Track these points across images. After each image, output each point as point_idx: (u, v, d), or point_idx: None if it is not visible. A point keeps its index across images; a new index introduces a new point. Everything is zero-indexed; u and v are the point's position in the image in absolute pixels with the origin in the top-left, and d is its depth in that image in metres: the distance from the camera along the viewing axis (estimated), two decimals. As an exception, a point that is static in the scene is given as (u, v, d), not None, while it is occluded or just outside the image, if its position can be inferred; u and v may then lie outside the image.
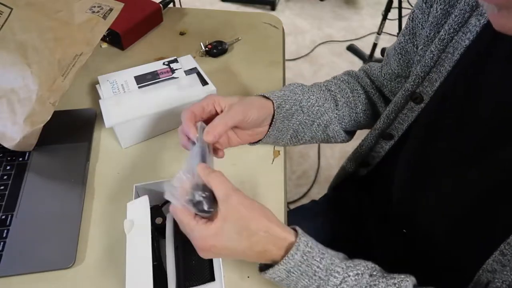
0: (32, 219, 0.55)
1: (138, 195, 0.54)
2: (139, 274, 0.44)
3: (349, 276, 0.42)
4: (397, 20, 1.88)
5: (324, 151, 1.72)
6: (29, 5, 0.61)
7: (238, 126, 0.54)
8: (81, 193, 0.58)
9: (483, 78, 0.46)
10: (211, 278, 0.46)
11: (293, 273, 0.42)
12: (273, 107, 0.57)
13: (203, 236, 0.42)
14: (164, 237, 0.50)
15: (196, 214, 0.43)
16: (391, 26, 2.04)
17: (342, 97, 0.65)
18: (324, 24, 2.46)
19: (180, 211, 0.43)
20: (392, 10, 1.85)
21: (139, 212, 0.49)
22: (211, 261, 0.47)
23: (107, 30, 0.71)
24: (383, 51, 1.98)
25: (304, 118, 0.60)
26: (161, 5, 0.89)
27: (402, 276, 0.44)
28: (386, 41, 2.26)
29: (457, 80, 0.49)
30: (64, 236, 0.53)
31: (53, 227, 0.54)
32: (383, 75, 0.66)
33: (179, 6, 1.01)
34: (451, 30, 0.48)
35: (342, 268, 0.43)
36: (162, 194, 0.55)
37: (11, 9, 0.59)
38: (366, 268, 0.44)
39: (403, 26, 0.59)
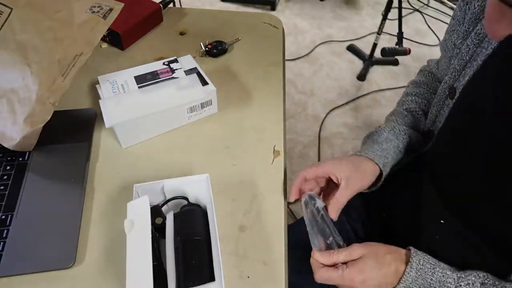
0: (32, 219, 0.55)
1: (138, 195, 0.54)
2: (139, 274, 0.44)
3: (460, 286, 0.47)
4: (397, 20, 1.88)
5: (324, 151, 1.72)
6: (29, 5, 0.60)
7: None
8: (81, 193, 0.58)
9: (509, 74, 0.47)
10: (211, 278, 0.46)
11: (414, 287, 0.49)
12: (380, 169, 0.60)
13: (352, 276, 0.49)
14: (164, 237, 0.50)
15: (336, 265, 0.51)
16: (391, 26, 2.04)
17: (425, 108, 0.68)
18: (324, 24, 2.46)
19: (326, 269, 0.50)
20: (392, 10, 1.85)
21: (139, 212, 0.49)
22: (211, 261, 0.47)
23: (107, 30, 0.71)
24: (383, 51, 1.98)
25: (403, 155, 0.65)
26: (161, 5, 0.89)
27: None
28: (386, 41, 2.26)
29: (486, 77, 0.50)
30: (64, 236, 0.53)
31: (53, 227, 0.54)
32: (440, 71, 0.68)
33: (179, 6, 1.01)
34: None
35: (454, 279, 0.48)
36: (162, 194, 0.56)
37: (11, 9, 0.59)
38: (477, 277, 0.47)
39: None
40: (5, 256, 0.51)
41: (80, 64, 0.60)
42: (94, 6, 0.64)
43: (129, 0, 0.74)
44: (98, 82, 0.69)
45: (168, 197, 0.55)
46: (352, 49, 2.27)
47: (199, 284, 0.45)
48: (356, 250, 0.51)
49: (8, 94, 0.57)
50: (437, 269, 0.49)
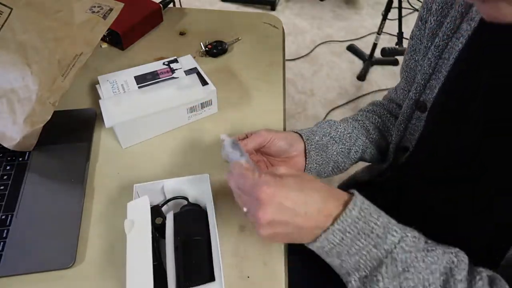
0: (32, 219, 0.55)
1: (138, 195, 0.54)
2: (140, 274, 0.44)
3: (407, 236, 0.40)
4: (397, 20, 1.88)
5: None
6: (29, 5, 0.60)
7: (266, 151, 0.58)
8: (81, 193, 0.58)
9: (476, 78, 0.48)
10: (211, 278, 0.46)
11: (349, 232, 0.40)
12: (303, 140, 0.59)
13: (269, 186, 0.40)
14: (164, 237, 0.50)
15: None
16: (391, 26, 2.04)
17: (372, 123, 0.68)
18: (324, 24, 2.46)
19: (241, 165, 0.43)
20: (392, 10, 1.85)
21: (139, 212, 0.49)
22: (211, 261, 0.47)
23: (107, 30, 0.71)
24: (383, 51, 1.98)
25: (340, 147, 0.62)
26: (161, 5, 0.89)
27: (457, 249, 0.42)
28: (386, 41, 2.26)
29: (451, 86, 0.51)
30: (64, 236, 0.53)
31: (53, 227, 0.54)
32: (398, 95, 0.69)
33: (179, 6, 1.01)
34: (445, 37, 0.51)
35: (400, 228, 0.41)
36: (162, 194, 0.56)
37: (11, 9, 0.59)
38: (421, 234, 0.42)
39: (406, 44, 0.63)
40: (5, 256, 0.51)
41: (80, 64, 0.60)
42: (94, 6, 0.64)
43: (129, 0, 0.74)
44: (98, 82, 0.69)
45: (168, 197, 0.55)
46: (352, 49, 2.27)
47: (199, 284, 0.45)
48: (282, 169, 0.43)
49: (8, 94, 0.57)
50: (382, 213, 0.42)
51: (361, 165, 0.75)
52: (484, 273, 0.41)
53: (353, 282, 0.41)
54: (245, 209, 0.43)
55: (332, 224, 0.40)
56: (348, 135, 0.63)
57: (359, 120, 0.68)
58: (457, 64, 0.50)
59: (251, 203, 0.41)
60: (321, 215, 0.40)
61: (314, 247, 0.42)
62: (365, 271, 0.40)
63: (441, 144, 0.55)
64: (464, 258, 0.41)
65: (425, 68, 0.54)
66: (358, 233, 0.40)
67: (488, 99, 0.46)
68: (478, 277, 0.40)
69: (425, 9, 0.56)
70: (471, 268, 0.41)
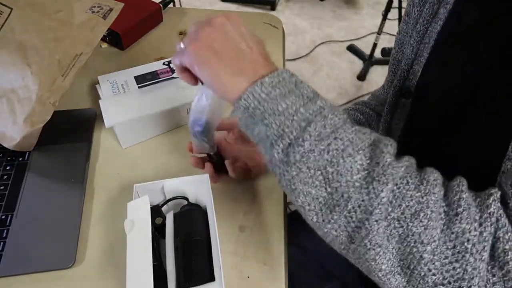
0: (32, 219, 0.55)
1: (138, 195, 0.54)
2: (140, 274, 0.44)
3: (334, 107, 0.37)
4: (397, 20, 1.88)
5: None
6: (29, 5, 0.60)
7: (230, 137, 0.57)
8: (81, 193, 0.58)
9: (451, 57, 0.51)
10: (211, 278, 0.46)
11: (278, 88, 0.36)
12: None
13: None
14: (164, 237, 0.50)
15: None
16: (391, 26, 2.04)
17: (354, 119, 0.70)
18: (324, 24, 2.46)
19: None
20: (392, 10, 1.85)
21: (139, 212, 0.49)
22: (211, 261, 0.47)
23: (107, 30, 0.71)
24: (383, 51, 1.98)
25: None
26: (161, 5, 0.89)
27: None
28: (386, 41, 2.26)
29: (432, 69, 0.53)
30: (64, 236, 0.53)
31: (53, 227, 0.54)
32: (386, 90, 0.69)
33: (179, 6, 1.01)
34: (425, 22, 0.53)
35: (326, 99, 0.37)
36: (162, 194, 0.56)
37: (11, 9, 0.59)
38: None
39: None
40: (5, 256, 0.51)
41: (80, 64, 0.60)
42: (94, 6, 0.64)
43: (129, 0, 0.74)
44: (98, 82, 0.69)
45: (168, 197, 0.55)
46: (352, 49, 2.27)
47: (199, 284, 0.45)
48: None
49: (8, 94, 0.57)
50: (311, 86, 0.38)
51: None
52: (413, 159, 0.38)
53: (275, 155, 0.35)
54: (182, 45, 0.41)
55: (262, 77, 0.36)
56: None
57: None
58: (436, 47, 0.52)
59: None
60: (244, 61, 0.38)
61: (239, 106, 0.37)
62: (289, 137, 0.34)
63: (424, 128, 0.56)
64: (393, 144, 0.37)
65: (408, 54, 0.56)
66: (288, 91, 0.36)
67: (467, 84, 0.48)
68: (405, 158, 0.36)
69: (410, 5, 0.58)
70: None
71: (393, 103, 0.60)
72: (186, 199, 0.55)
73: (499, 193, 0.35)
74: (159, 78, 0.70)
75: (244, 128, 0.39)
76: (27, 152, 0.62)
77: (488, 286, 0.32)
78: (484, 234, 0.32)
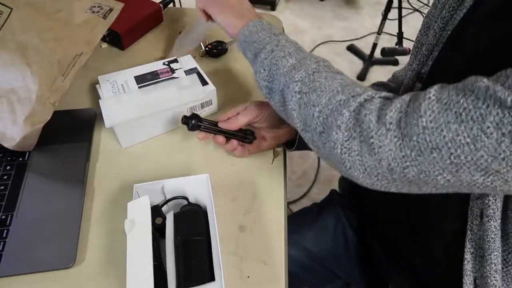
0: (32, 219, 0.55)
1: (138, 195, 0.54)
2: (140, 274, 0.44)
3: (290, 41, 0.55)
4: (397, 20, 1.88)
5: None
6: (29, 5, 0.60)
7: (257, 126, 0.63)
8: (81, 193, 0.58)
9: (465, 42, 0.50)
10: (211, 278, 0.46)
11: (256, 28, 0.55)
12: None
13: None
14: (164, 237, 0.50)
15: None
16: (391, 26, 2.04)
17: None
18: (324, 24, 2.46)
19: None
20: (392, 10, 1.85)
21: (139, 212, 0.49)
22: (211, 261, 0.47)
23: (107, 30, 0.71)
24: (383, 51, 1.98)
25: None
26: (161, 5, 0.89)
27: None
28: (386, 41, 2.26)
29: (442, 57, 0.53)
30: (64, 236, 0.53)
31: (53, 227, 0.54)
32: (405, 72, 0.68)
33: (179, 6, 1.01)
34: (451, 9, 0.52)
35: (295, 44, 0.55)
36: (162, 194, 0.56)
37: (11, 9, 0.59)
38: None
39: (416, 24, 0.64)
40: (5, 256, 0.51)
41: (80, 64, 0.60)
42: (94, 6, 0.64)
43: (129, 0, 0.74)
44: (98, 82, 0.69)
45: (168, 197, 0.55)
46: (352, 49, 2.27)
47: (199, 284, 0.45)
48: None
49: (8, 94, 0.57)
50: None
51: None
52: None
53: (262, 56, 0.52)
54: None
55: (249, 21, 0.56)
56: None
57: None
58: (453, 32, 0.51)
59: None
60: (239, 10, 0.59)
61: (240, 36, 0.56)
62: (268, 47, 0.53)
63: None
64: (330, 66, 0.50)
65: (430, 39, 0.55)
66: (263, 29, 0.55)
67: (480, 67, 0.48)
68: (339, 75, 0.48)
69: None
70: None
71: (409, 86, 0.60)
72: (186, 199, 0.55)
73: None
74: (159, 78, 0.70)
75: (241, 50, 0.58)
76: (27, 152, 0.62)
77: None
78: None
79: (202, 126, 0.59)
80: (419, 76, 0.58)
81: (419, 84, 0.58)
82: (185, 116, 0.59)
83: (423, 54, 0.57)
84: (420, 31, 0.63)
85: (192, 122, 0.59)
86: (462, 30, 0.51)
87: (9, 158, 0.61)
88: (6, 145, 0.59)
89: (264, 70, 0.51)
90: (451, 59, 0.52)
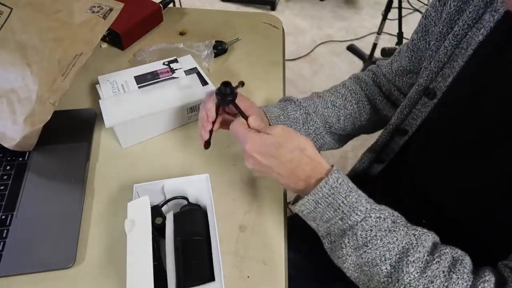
0: (32, 219, 0.55)
1: (138, 195, 0.54)
2: (140, 274, 0.44)
3: (370, 217, 0.45)
4: (397, 20, 1.88)
5: (324, 151, 1.72)
6: (29, 5, 0.60)
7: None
8: (81, 193, 0.58)
9: (496, 74, 0.47)
10: (211, 278, 0.46)
11: (320, 204, 0.46)
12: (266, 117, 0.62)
13: (252, 140, 0.48)
14: (164, 237, 0.50)
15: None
16: (391, 26, 2.04)
17: (346, 109, 0.68)
18: (324, 24, 2.46)
19: (238, 123, 0.51)
20: (392, 10, 1.85)
21: (139, 212, 0.49)
22: (211, 261, 0.47)
23: (107, 30, 0.71)
24: (383, 51, 1.98)
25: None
26: (161, 5, 0.89)
27: (425, 230, 0.46)
28: (386, 41, 2.26)
29: (468, 77, 0.50)
30: (64, 236, 0.53)
31: (53, 227, 0.54)
32: (393, 71, 0.67)
33: (179, 6, 1.01)
34: (465, 26, 0.50)
35: (366, 208, 0.45)
36: (162, 194, 0.56)
37: (11, 9, 0.59)
38: (391, 214, 0.46)
39: (417, 24, 0.62)
40: (5, 256, 0.51)
41: (80, 64, 0.60)
42: (94, 6, 0.64)
43: (129, 0, 0.74)
44: (98, 82, 0.69)
45: (168, 197, 0.55)
46: (352, 49, 2.27)
47: (199, 284, 0.45)
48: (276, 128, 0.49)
49: (8, 94, 0.57)
50: (353, 193, 0.46)
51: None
52: (449, 253, 0.44)
53: (326, 244, 0.48)
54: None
55: (308, 194, 0.46)
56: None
57: (336, 107, 0.67)
58: (476, 56, 0.49)
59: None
60: (293, 179, 0.48)
61: (296, 209, 0.49)
62: (334, 237, 0.47)
63: (449, 132, 0.55)
64: (425, 241, 0.44)
65: (440, 56, 0.53)
66: (328, 206, 0.46)
67: (505, 98, 0.46)
68: (436, 260, 0.43)
69: None
70: (437, 249, 0.44)
71: (414, 100, 0.59)
72: (186, 199, 0.55)
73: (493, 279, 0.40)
74: (159, 78, 0.70)
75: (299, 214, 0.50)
76: (27, 152, 0.62)
77: None
78: None
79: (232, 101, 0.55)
80: (426, 92, 0.56)
81: (426, 99, 0.57)
82: (224, 85, 0.54)
83: (432, 70, 0.55)
84: (417, 33, 0.61)
85: (229, 99, 0.54)
86: (484, 59, 0.48)
87: (9, 158, 0.61)
88: (6, 145, 0.59)
89: (353, 269, 0.47)
90: (473, 88, 0.50)
